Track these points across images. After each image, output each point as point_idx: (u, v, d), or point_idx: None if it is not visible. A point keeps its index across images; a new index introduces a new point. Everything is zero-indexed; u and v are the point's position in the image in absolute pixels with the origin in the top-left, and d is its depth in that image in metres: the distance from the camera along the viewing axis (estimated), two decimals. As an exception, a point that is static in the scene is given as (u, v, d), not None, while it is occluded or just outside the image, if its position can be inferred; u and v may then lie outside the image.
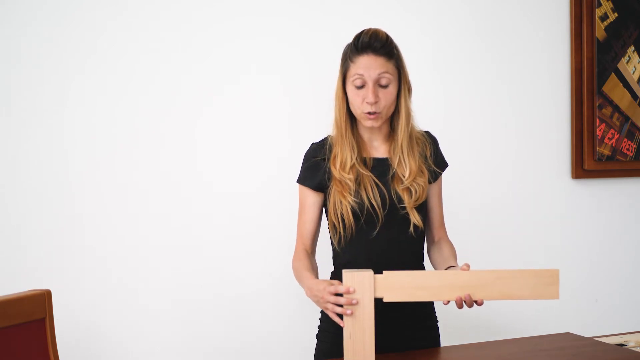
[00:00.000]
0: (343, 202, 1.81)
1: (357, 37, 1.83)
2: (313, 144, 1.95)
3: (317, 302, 1.69)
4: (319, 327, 1.95)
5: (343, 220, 1.83)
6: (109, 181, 2.35)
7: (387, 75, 1.80)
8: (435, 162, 1.94)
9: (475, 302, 1.61)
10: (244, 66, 2.50)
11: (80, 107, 2.33)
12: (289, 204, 2.41)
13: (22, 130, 2.27)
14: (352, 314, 1.58)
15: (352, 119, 1.89)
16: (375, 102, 1.79)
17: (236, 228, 2.49)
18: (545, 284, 1.60)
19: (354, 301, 1.57)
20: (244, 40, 2.50)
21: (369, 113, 1.80)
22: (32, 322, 1.66)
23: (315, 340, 1.96)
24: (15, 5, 2.26)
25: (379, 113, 1.81)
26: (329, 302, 1.61)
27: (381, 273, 1.61)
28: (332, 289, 1.61)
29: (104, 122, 2.35)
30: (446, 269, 1.81)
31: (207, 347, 2.45)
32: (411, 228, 1.84)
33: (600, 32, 2.96)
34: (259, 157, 2.52)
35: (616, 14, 2.99)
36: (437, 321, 1.97)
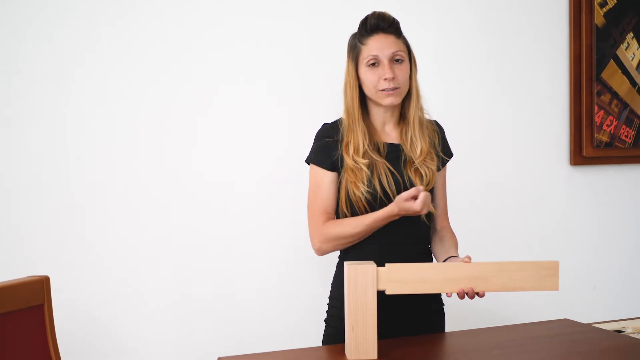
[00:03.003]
0: (356, 192, 1.80)
1: (364, 21, 1.85)
2: (325, 124, 1.93)
3: (414, 213, 1.73)
4: (327, 312, 1.97)
5: (358, 211, 1.83)
6: (110, 172, 2.36)
7: (400, 52, 1.83)
8: (442, 150, 1.96)
9: (477, 294, 1.63)
10: (244, 66, 2.51)
11: (82, 102, 2.33)
12: (287, 200, 2.45)
13: (25, 121, 2.27)
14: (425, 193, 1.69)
15: (363, 107, 1.90)
16: (393, 78, 1.80)
17: (237, 223, 2.50)
18: (545, 275, 1.62)
19: (420, 188, 1.70)
20: (246, 43, 2.50)
21: (387, 90, 1.81)
22: (31, 308, 1.66)
23: (324, 324, 1.97)
24: (18, 5, 2.25)
25: (398, 88, 1.82)
26: (421, 208, 1.70)
27: (392, 262, 1.62)
28: (409, 197, 1.70)
29: (106, 116, 2.35)
30: (446, 259, 1.82)
31: (208, 332, 2.47)
32: (423, 215, 1.84)
33: (599, 18, 2.96)
34: (259, 154, 2.53)
35: (615, 1, 2.98)
36: (443, 304, 1.99)
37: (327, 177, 1.87)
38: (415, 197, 1.70)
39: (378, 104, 1.87)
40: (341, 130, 1.88)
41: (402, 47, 1.85)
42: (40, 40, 2.28)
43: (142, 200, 2.39)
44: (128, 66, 2.37)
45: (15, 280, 1.67)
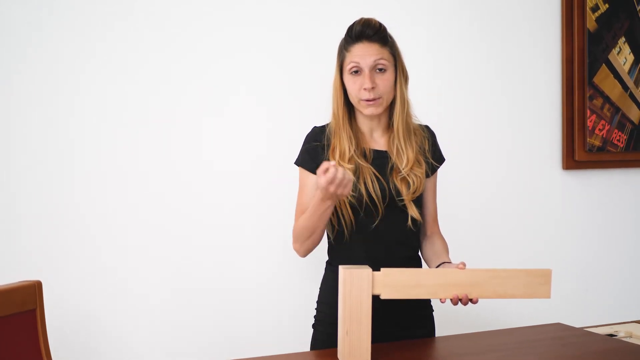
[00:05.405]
0: None
1: (351, 28, 1.85)
2: (315, 127, 1.95)
3: (332, 195, 1.66)
4: (315, 317, 1.97)
5: (342, 216, 1.83)
6: (105, 172, 2.35)
7: (382, 61, 1.82)
8: (433, 156, 1.95)
9: (471, 300, 1.64)
10: (242, 71, 2.51)
11: (81, 104, 2.33)
12: (277, 203, 2.46)
13: (23, 119, 2.27)
14: (336, 170, 1.60)
15: (350, 111, 1.90)
16: (373, 88, 1.80)
17: (233, 218, 2.50)
18: (538, 283, 1.63)
19: (332, 163, 1.60)
20: (239, 47, 2.51)
21: (367, 100, 1.81)
22: (23, 312, 1.67)
23: (312, 329, 1.97)
24: (19, 5, 2.25)
25: (379, 99, 1.82)
26: (326, 185, 1.62)
27: (378, 266, 1.63)
28: (320, 173, 1.62)
29: (100, 115, 2.35)
30: (439, 265, 1.83)
31: (200, 336, 2.46)
32: (409, 221, 1.85)
33: (591, 23, 2.97)
34: (262, 154, 2.53)
35: (607, 5, 3.00)
36: (433, 310, 1.99)
37: (311, 179, 1.88)
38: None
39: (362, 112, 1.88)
40: (327, 133, 1.89)
41: (387, 55, 1.83)
42: (40, 38, 2.28)
43: (141, 193, 2.39)
44: (129, 68, 2.37)
45: (7, 285, 1.67)
